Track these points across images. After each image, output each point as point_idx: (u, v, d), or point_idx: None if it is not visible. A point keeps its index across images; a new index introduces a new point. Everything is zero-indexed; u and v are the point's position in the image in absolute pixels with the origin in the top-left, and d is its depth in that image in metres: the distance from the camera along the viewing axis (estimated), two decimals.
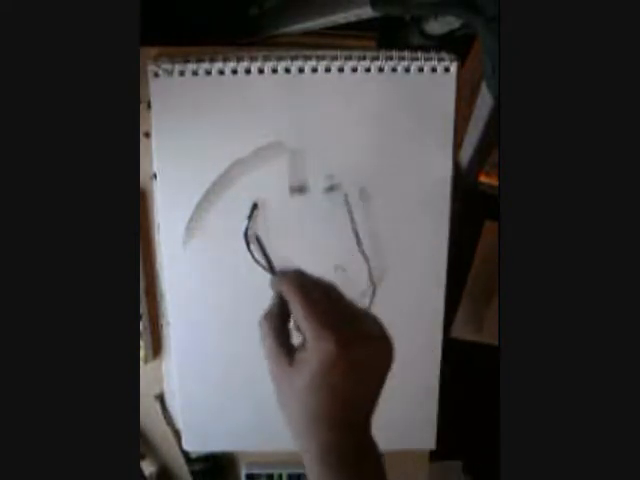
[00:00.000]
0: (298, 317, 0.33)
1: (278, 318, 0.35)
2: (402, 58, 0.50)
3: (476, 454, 0.90)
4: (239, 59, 0.50)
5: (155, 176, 0.53)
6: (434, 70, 0.50)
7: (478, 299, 0.73)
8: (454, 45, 0.51)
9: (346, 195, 0.53)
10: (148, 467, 0.64)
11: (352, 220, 0.54)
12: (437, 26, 0.47)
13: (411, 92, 0.51)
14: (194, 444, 0.62)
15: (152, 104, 0.51)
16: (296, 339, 0.35)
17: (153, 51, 0.51)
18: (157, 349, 0.59)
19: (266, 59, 0.50)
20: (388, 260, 0.55)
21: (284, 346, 0.34)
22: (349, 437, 0.33)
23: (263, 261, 0.39)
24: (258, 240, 0.43)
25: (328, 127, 0.52)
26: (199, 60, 0.50)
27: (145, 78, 0.50)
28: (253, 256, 0.54)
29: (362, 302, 0.55)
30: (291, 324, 0.35)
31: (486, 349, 0.75)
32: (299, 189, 0.53)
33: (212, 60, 0.50)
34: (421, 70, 0.50)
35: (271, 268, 0.38)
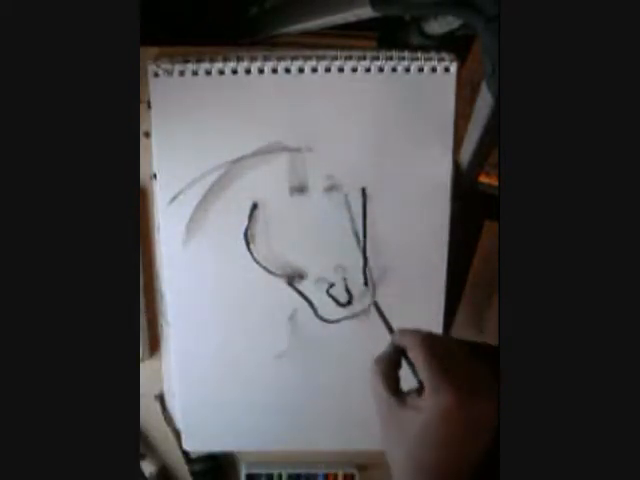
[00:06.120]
0: (420, 368, 0.35)
1: (389, 365, 0.37)
2: (402, 58, 0.50)
3: None
4: (239, 59, 0.50)
5: (155, 176, 0.53)
6: (434, 70, 0.50)
7: (478, 299, 0.73)
8: (454, 45, 0.51)
9: (346, 195, 0.53)
10: (148, 467, 0.63)
11: (352, 220, 0.54)
12: (437, 26, 0.47)
13: (411, 92, 0.51)
14: (194, 444, 0.61)
15: (152, 104, 0.51)
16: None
17: (153, 51, 0.51)
18: (153, 348, 0.59)
19: (266, 59, 0.50)
20: (388, 260, 0.55)
21: (394, 390, 0.36)
22: None
23: (382, 322, 0.44)
24: (376, 305, 0.46)
25: (328, 127, 0.52)
26: (199, 60, 0.50)
27: (145, 78, 0.50)
28: (253, 256, 0.54)
29: (362, 302, 0.56)
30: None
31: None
32: (299, 189, 0.53)
33: (212, 60, 0.50)
34: (421, 70, 0.50)
35: (389, 327, 0.43)
